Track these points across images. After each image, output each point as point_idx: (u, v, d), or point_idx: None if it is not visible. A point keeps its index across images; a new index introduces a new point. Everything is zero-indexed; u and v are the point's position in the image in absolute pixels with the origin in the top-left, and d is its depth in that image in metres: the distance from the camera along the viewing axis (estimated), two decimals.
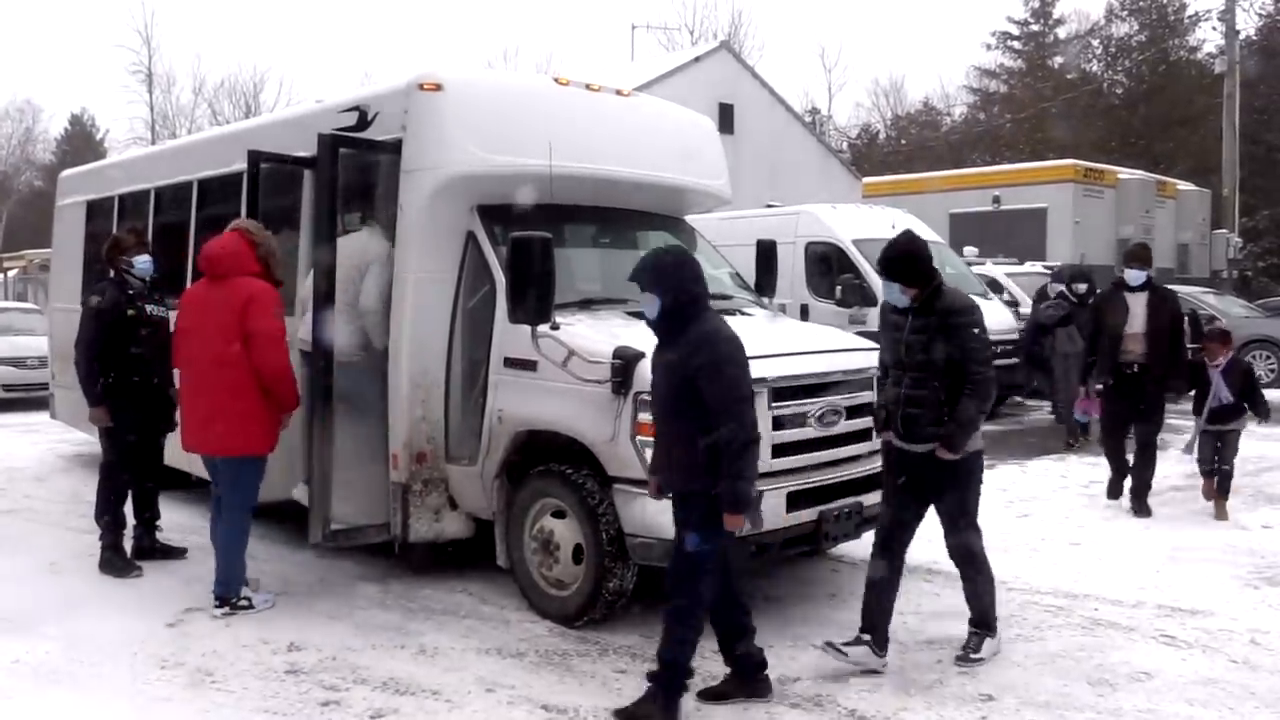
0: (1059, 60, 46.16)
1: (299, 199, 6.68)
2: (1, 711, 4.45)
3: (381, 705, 4.49)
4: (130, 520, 6.72)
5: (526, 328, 5.41)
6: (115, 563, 6.48)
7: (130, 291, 6.54)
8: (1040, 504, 8.42)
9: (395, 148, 6.08)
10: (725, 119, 24.59)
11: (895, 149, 49.19)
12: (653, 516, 5.04)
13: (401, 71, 6.58)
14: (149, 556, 6.67)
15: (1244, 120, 27.10)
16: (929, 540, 7.12)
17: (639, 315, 5.97)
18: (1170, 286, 9.59)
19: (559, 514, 5.50)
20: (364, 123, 6.36)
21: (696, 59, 29.81)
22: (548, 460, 5.58)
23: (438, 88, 6.01)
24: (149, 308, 6.60)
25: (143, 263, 6.66)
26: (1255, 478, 9.42)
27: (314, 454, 5.88)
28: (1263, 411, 8.00)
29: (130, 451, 6.59)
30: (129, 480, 6.68)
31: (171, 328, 6.62)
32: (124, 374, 6.45)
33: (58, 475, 9.98)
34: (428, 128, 5.99)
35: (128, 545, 6.64)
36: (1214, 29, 34.50)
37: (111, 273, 6.67)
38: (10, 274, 32.61)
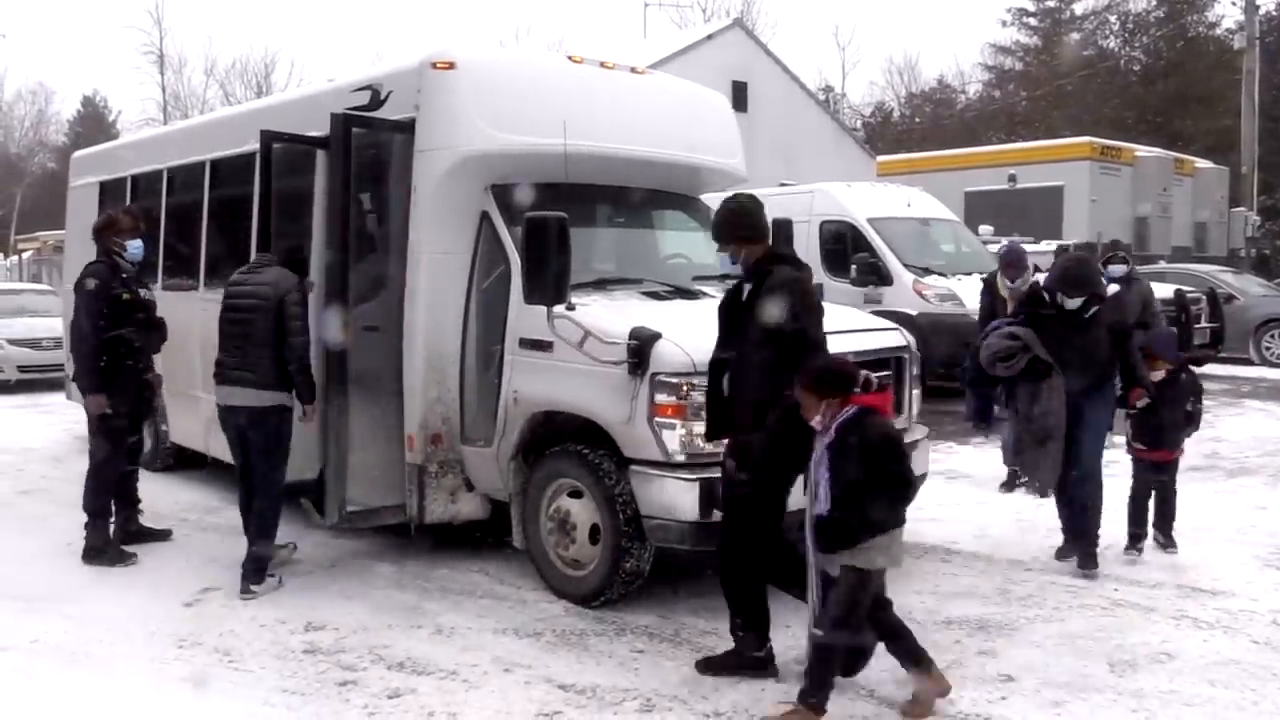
0: (1075, 37, 45.70)
1: (312, 179, 6.64)
2: (23, 691, 4.48)
3: (399, 685, 4.50)
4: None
5: (542, 308, 5.38)
6: (107, 554, 6.35)
7: (124, 275, 6.42)
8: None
9: (408, 127, 6.05)
10: (739, 97, 24.37)
11: (910, 127, 48.88)
12: (670, 498, 5.03)
13: (413, 51, 6.55)
14: (135, 541, 6.58)
15: (1263, 97, 26.86)
16: (945, 521, 7.13)
17: (654, 295, 5.99)
18: (1187, 265, 9.53)
19: (575, 494, 5.49)
20: (376, 102, 6.33)
21: (709, 37, 29.55)
22: (564, 441, 5.57)
23: (450, 66, 5.97)
24: (141, 291, 6.50)
25: (135, 247, 6.53)
26: (1275, 457, 9.36)
27: (330, 436, 5.88)
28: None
29: (123, 437, 6.49)
30: (122, 469, 6.56)
31: (158, 311, 6.60)
32: (116, 358, 6.30)
33: (74, 456, 9.99)
34: (441, 107, 5.96)
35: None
36: (1233, 4, 34.21)
37: (99, 253, 6.49)
38: (25, 255, 32.80)
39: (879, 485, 3.93)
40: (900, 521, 4.11)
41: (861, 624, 4.08)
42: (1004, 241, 10.87)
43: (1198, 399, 6.45)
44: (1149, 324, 8.23)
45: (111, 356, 6.29)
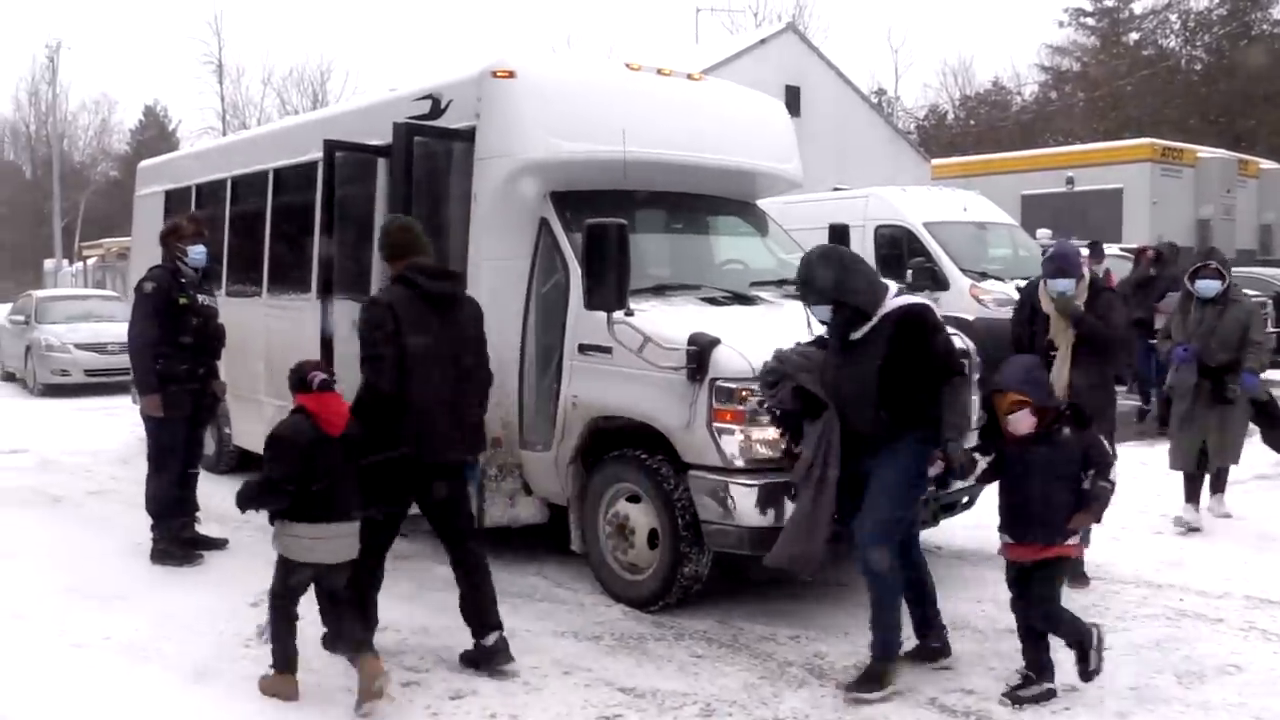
0: (1134, 36, 44.94)
1: (374, 187, 6.75)
2: (94, 685, 4.59)
3: (461, 686, 4.56)
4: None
5: (601, 314, 5.41)
6: (173, 553, 6.46)
7: (183, 280, 6.51)
8: (1121, 491, 8.21)
9: (469, 135, 6.13)
10: (792, 101, 24.32)
11: (964, 130, 48.34)
12: (729, 503, 5.04)
13: (467, 60, 6.62)
14: (190, 548, 6.61)
15: None
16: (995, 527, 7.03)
17: (712, 301, 6.00)
18: (1252, 269, 9.30)
19: (634, 499, 5.52)
20: (437, 111, 6.41)
21: (762, 41, 29.57)
22: (622, 446, 5.60)
23: (510, 75, 6.04)
24: (200, 297, 6.58)
25: (197, 252, 6.60)
26: None
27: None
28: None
29: (178, 440, 6.56)
30: (177, 471, 6.63)
31: (220, 319, 6.69)
32: (172, 362, 6.39)
33: (140, 458, 10.04)
34: (501, 115, 6.02)
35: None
36: None
37: (164, 258, 6.61)
38: (89, 262, 33.55)
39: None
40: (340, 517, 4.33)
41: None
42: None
43: (1100, 469, 4.29)
44: (1239, 362, 6.87)
45: (167, 360, 6.37)
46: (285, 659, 4.42)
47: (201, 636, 5.17)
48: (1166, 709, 4.29)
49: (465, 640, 5.00)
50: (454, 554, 4.80)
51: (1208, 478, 7.30)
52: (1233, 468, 7.89)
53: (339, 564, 4.38)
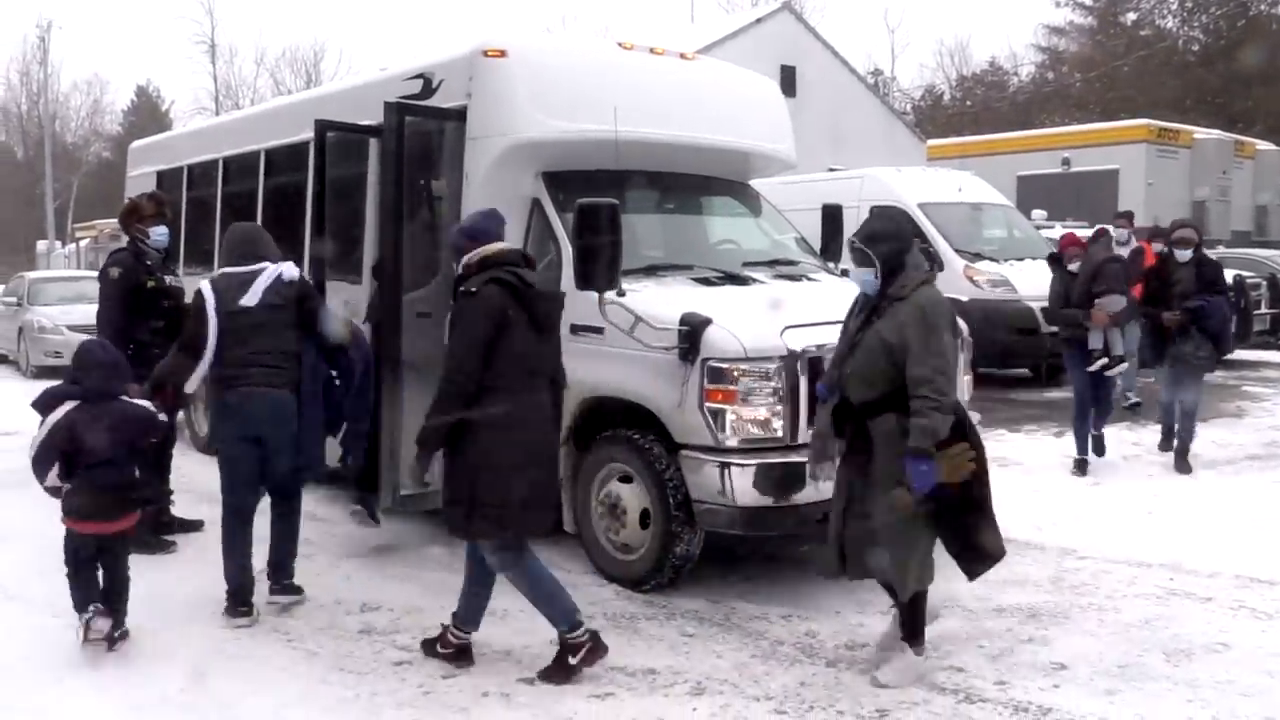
0: (1132, 16, 44.76)
1: (365, 167, 6.73)
2: (91, 667, 4.60)
3: (453, 666, 4.57)
4: None
5: (593, 294, 5.41)
6: (146, 541, 6.17)
7: (148, 262, 6.37)
8: (1112, 471, 8.27)
9: (460, 115, 6.10)
10: (787, 81, 24.20)
11: (960, 110, 48.19)
12: (720, 483, 5.05)
13: (462, 39, 6.59)
14: (167, 531, 6.53)
15: None
16: (997, 508, 7.06)
17: (705, 281, 6.00)
18: (1247, 250, 9.40)
19: (626, 479, 5.52)
20: (428, 90, 6.39)
21: (758, 21, 29.40)
22: (614, 426, 5.60)
23: (502, 54, 6.01)
24: (167, 278, 6.45)
25: (159, 233, 6.47)
26: None
27: (383, 421, 5.96)
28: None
29: None
30: (154, 457, 6.34)
31: (187, 299, 6.60)
32: (143, 347, 6.16)
33: None
34: (492, 94, 6.00)
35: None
36: None
37: (126, 241, 6.47)
38: (82, 243, 33.43)
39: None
40: None
41: None
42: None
43: None
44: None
45: (138, 345, 6.20)
46: None
47: (194, 619, 5.18)
48: (1154, 686, 4.32)
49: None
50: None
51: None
52: (1224, 448, 8.06)
53: None
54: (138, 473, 4.93)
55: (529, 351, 4.30)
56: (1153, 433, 9.01)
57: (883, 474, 4.22)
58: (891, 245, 4.30)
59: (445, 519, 4.49)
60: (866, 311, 4.38)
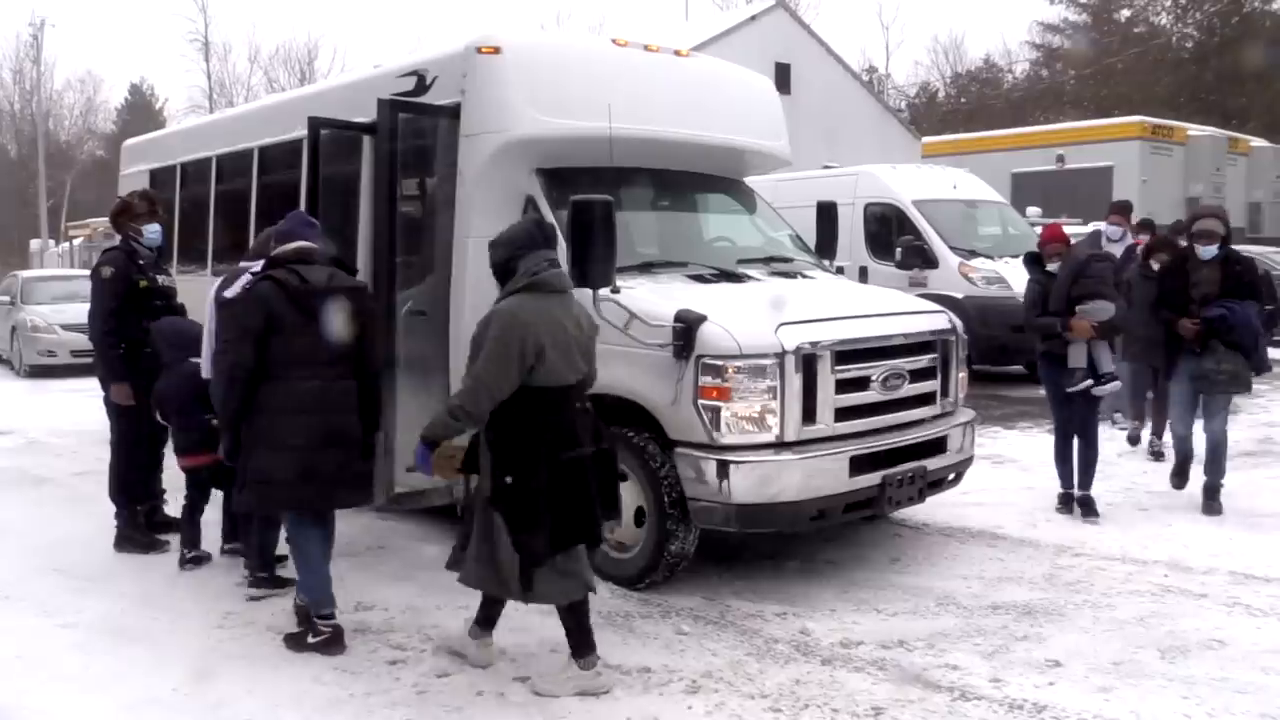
0: (1126, 13, 44.79)
1: (359, 164, 6.70)
2: (83, 666, 4.59)
3: (447, 665, 4.55)
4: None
5: (588, 291, 5.39)
6: (136, 539, 6.32)
7: (140, 261, 6.31)
8: (1108, 469, 8.26)
9: (454, 112, 6.08)
10: (782, 79, 24.22)
11: (955, 108, 48.23)
12: (715, 480, 5.04)
13: (456, 36, 6.58)
14: (160, 531, 6.49)
15: None
16: (991, 505, 7.08)
17: (699, 278, 5.98)
18: (1241, 247, 9.16)
19: (620, 477, 5.49)
20: (422, 87, 6.37)
21: (752, 18, 29.40)
22: (609, 423, 5.56)
23: (496, 51, 5.99)
24: (160, 278, 6.41)
25: (152, 232, 6.42)
26: None
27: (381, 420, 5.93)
28: None
29: (144, 426, 6.35)
30: (145, 456, 6.50)
31: (180, 298, 6.49)
32: (136, 346, 6.17)
33: None
34: (486, 91, 5.98)
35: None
36: None
37: (118, 239, 6.43)
38: (76, 242, 33.36)
39: None
40: None
41: None
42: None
43: None
44: None
45: (130, 345, 6.19)
46: None
47: (188, 617, 5.17)
48: (1149, 683, 4.31)
49: (455, 619, 5.02)
50: None
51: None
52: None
53: None
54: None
55: (304, 344, 4.60)
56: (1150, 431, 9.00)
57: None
58: (500, 251, 4.34)
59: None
60: None
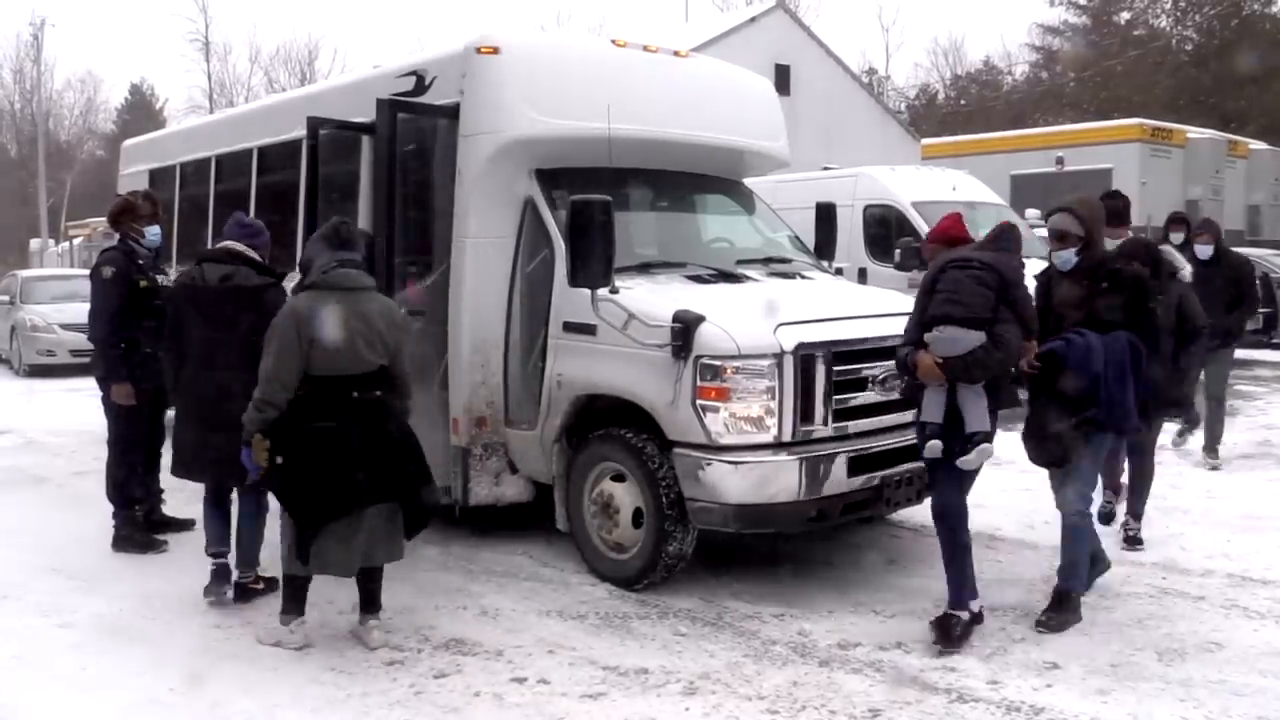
0: (1125, 16, 44.81)
1: (358, 164, 6.70)
2: (81, 667, 4.59)
3: (445, 666, 4.55)
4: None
5: (586, 292, 5.40)
6: (134, 539, 6.30)
7: (140, 261, 6.31)
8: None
9: (453, 112, 6.08)
10: (781, 80, 24.23)
11: (955, 109, 48.24)
12: (713, 481, 5.04)
13: (456, 36, 6.58)
14: (159, 530, 6.49)
15: None
16: (990, 507, 7.07)
17: (698, 279, 5.98)
18: (1240, 250, 9.06)
19: (618, 478, 5.51)
20: (421, 87, 6.37)
21: (752, 19, 29.42)
22: (607, 424, 5.59)
23: (495, 51, 5.99)
24: (159, 278, 6.41)
25: (153, 233, 6.45)
26: None
27: None
28: None
29: (141, 426, 6.37)
30: (142, 456, 6.49)
31: None
32: (135, 346, 6.16)
33: None
34: (485, 91, 5.98)
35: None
36: None
37: (117, 239, 6.40)
38: (75, 242, 33.35)
39: None
40: None
41: None
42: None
43: None
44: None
45: (130, 344, 6.18)
46: None
47: (185, 617, 5.17)
48: (1146, 686, 4.31)
49: (452, 620, 5.02)
50: None
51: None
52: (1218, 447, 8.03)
53: None
54: None
55: (199, 337, 5.15)
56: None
57: None
58: (305, 252, 4.79)
59: None
60: None
